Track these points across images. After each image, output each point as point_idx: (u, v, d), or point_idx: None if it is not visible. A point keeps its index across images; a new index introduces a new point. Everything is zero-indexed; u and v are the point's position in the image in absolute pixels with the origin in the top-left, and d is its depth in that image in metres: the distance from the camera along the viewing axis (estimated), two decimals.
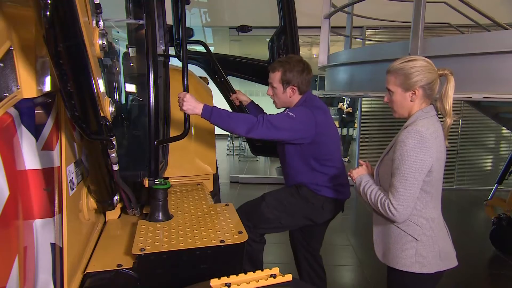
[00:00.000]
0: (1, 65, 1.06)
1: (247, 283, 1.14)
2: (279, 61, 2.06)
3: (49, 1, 0.82)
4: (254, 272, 1.21)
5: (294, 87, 2.02)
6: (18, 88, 1.15)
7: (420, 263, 1.50)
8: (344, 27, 4.47)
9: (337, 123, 8.26)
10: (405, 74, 1.51)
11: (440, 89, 1.56)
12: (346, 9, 4.10)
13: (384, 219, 1.57)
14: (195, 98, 1.79)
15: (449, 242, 1.60)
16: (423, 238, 1.50)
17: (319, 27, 4.04)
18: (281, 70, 1.99)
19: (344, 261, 3.57)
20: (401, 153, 1.46)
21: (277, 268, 1.23)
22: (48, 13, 0.83)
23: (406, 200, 1.45)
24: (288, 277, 1.19)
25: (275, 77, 2.01)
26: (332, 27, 4.04)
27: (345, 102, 7.89)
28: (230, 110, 2.41)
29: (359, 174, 1.68)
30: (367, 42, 5.90)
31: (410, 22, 2.74)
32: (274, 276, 1.19)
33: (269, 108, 2.43)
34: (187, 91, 1.81)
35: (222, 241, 1.58)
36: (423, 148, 1.43)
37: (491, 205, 3.96)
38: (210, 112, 1.81)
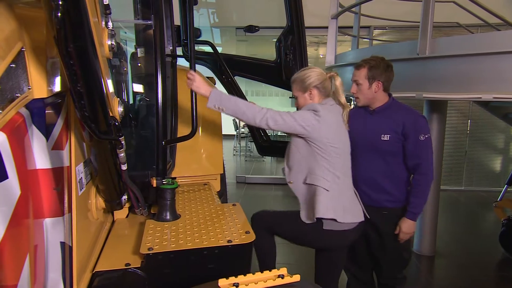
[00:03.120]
0: (13, 65, 1.07)
1: (255, 283, 1.14)
2: (363, 59, 2.10)
3: (60, 3, 0.83)
4: (262, 272, 1.21)
5: (380, 83, 2.04)
6: (29, 89, 1.16)
7: (333, 210, 1.81)
8: (351, 27, 4.45)
9: None
10: (301, 80, 1.94)
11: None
12: (353, 9, 4.08)
13: (303, 187, 1.89)
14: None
15: (355, 202, 1.95)
16: (331, 189, 1.83)
17: (327, 27, 4.02)
18: (367, 67, 2.03)
19: None
20: (299, 111, 1.87)
21: (285, 269, 1.22)
22: (59, 14, 0.84)
23: (276, 116, 1.78)
24: (296, 278, 1.19)
25: (361, 73, 2.05)
26: (339, 27, 4.03)
27: (352, 102, 7.85)
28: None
29: (209, 89, 1.76)
30: (374, 42, 5.86)
31: (418, 22, 2.73)
32: (282, 276, 1.18)
33: (275, 107, 2.42)
34: (195, 92, 1.81)
35: (229, 241, 1.58)
36: (316, 116, 1.80)
37: (500, 207, 3.91)
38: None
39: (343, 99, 1.97)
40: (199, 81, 1.76)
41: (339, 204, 1.85)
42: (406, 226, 2.03)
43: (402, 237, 2.05)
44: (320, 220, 1.83)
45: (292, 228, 1.99)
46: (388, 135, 2.03)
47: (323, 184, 1.84)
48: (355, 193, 1.99)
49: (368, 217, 1.99)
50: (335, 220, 1.81)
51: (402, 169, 2.06)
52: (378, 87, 2.03)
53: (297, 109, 2.01)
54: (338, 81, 1.96)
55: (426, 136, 1.99)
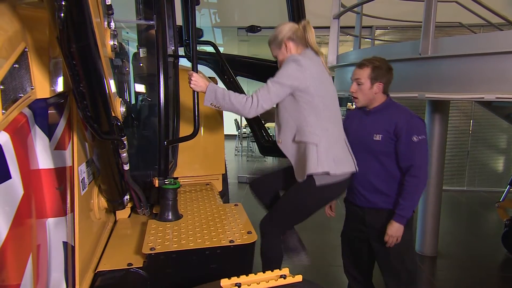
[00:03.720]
0: (16, 66, 1.07)
1: (257, 283, 1.14)
2: (365, 59, 2.06)
3: (63, 3, 0.83)
4: (263, 272, 1.21)
5: (381, 84, 2.00)
6: (32, 89, 1.16)
7: (321, 165, 1.84)
8: (353, 27, 4.44)
9: None
10: (274, 38, 1.99)
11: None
12: (355, 9, 4.07)
13: (292, 145, 1.92)
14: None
15: (346, 152, 1.99)
16: (320, 144, 1.85)
17: (328, 27, 4.02)
18: (371, 66, 1.99)
19: None
20: (279, 70, 1.85)
21: (287, 269, 1.23)
22: (62, 14, 0.84)
23: (266, 95, 1.80)
24: (298, 278, 1.19)
25: (364, 73, 2.00)
26: (341, 27, 4.02)
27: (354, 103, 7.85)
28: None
29: (205, 86, 1.79)
30: (376, 42, 5.85)
31: (420, 22, 2.72)
32: (284, 276, 1.18)
33: None
34: (197, 92, 1.83)
35: (231, 241, 1.58)
36: (299, 67, 1.82)
37: (503, 207, 3.90)
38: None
39: (316, 48, 1.98)
40: (197, 79, 1.80)
41: (330, 156, 1.87)
42: (393, 229, 1.94)
43: (387, 240, 1.95)
44: (311, 177, 1.85)
45: (292, 205, 2.00)
46: (380, 135, 1.99)
47: (312, 139, 1.85)
48: (346, 143, 2.02)
49: (357, 170, 2.01)
50: (327, 173, 1.84)
51: (398, 170, 2.00)
52: (379, 88, 2.00)
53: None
54: (310, 31, 1.98)
55: (420, 137, 1.93)
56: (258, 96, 1.81)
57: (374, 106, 2.06)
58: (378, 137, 2.00)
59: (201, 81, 1.81)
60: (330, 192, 1.95)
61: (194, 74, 1.81)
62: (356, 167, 2.00)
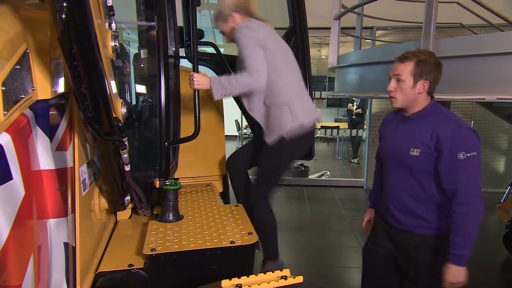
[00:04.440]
0: (17, 67, 1.07)
1: (258, 284, 1.14)
2: (408, 51, 1.68)
3: (64, 4, 0.84)
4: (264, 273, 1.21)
5: (426, 83, 1.63)
6: (33, 90, 1.16)
7: (295, 119, 1.98)
8: (354, 28, 4.45)
9: (346, 124, 8.25)
10: (219, 13, 2.09)
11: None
12: (356, 10, 4.08)
13: (264, 110, 2.03)
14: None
15: (309, 100, 2.17)
16: (291, 100, 2.00)
17: (329, 28, 4.02)
18: (415, 60, 1.62)
19: (353, 263, 3.54)
20: (239, 48, 1.94)
21: (288, 270, 1.23)
22: (63, 15, 0.84)
23: (257, 69, 1.90)
24: (299, 279, 1.19)
25: (406, 68, 1.62)
26: (342, 28, 4.02)
27: (354, 103, 7.85)
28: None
29: (207, 78, 1.89)
30: (377, 43, 5.85)
31: (421, 23, 2.72)
32: (285, 277, 1.18)
33: None
34: (197, 93, 1.84)
35: (232, 242, 1.58)
36: (250, 30, 1.93)
37: (504, 208, 3.89)
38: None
39: (260, 17, 2.10)
40: (199, 78, 1.85)
41: (303, 108, 2.02)
42: (452, 274, 1.60)
43: (448, 287, 1.63)
44: (281, 136, 1.99)
45: (269, 165, 2.13)
46: (418, 150, 1.63)
47: (282, 98, 1.99)
48: (307, 92, 2.18)
49: (318, 118, 2.14)
50: (300, 125, 1.98)
51: (440, 191, 1.65)
52: (423, 87, 1.62)
53: (229, 43, 2.12)
54: (252, 1, 2.10)
55: (469, 154, 1.55)
56: (250, 67, 1.89)
57: (415, 110, 1.69)
58: (415, 152, 1.64)
59: (203, 79, 1.87)
60: (301, 140, 2.07)
61: (196, 74, 1.84)
62: (319, 115, 2.14)
